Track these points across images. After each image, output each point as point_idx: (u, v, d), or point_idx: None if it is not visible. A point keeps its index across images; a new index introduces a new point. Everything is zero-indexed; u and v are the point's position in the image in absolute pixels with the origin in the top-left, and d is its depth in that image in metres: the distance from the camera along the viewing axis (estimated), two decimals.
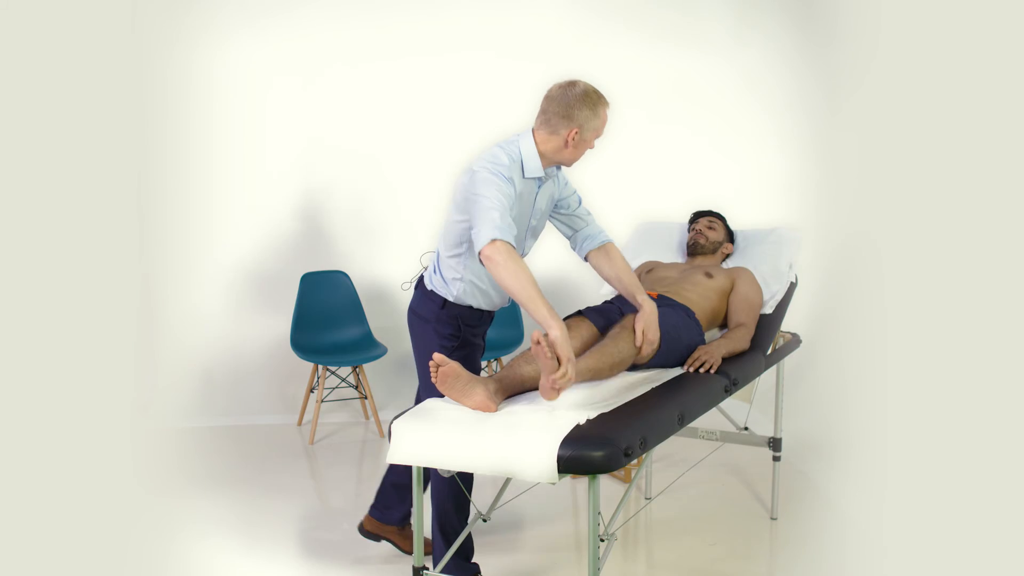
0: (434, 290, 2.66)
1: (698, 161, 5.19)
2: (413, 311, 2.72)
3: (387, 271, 5.09)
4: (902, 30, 2.61)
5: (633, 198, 4.95)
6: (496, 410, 2.32)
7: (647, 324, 2.58)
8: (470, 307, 2.65)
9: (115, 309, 2.36)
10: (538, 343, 2.16)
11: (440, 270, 2.66)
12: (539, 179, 2.57)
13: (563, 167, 2.63)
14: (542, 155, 2.52)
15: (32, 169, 2.14)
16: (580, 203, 2.79)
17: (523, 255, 2.69)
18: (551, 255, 3.71)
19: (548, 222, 2.78)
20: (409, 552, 3.08)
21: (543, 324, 2.26)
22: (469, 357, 2.68)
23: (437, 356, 2.27)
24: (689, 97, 5.17)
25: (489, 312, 2.73)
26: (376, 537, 3.09)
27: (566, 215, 2.77)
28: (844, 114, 4.49)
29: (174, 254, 4.87)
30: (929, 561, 2.09)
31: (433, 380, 2.29)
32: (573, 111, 2.46)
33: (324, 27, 4.96)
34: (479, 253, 2.34)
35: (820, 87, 4.84)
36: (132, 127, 4.47)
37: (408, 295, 2.84)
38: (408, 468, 2.78)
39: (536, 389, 2.48)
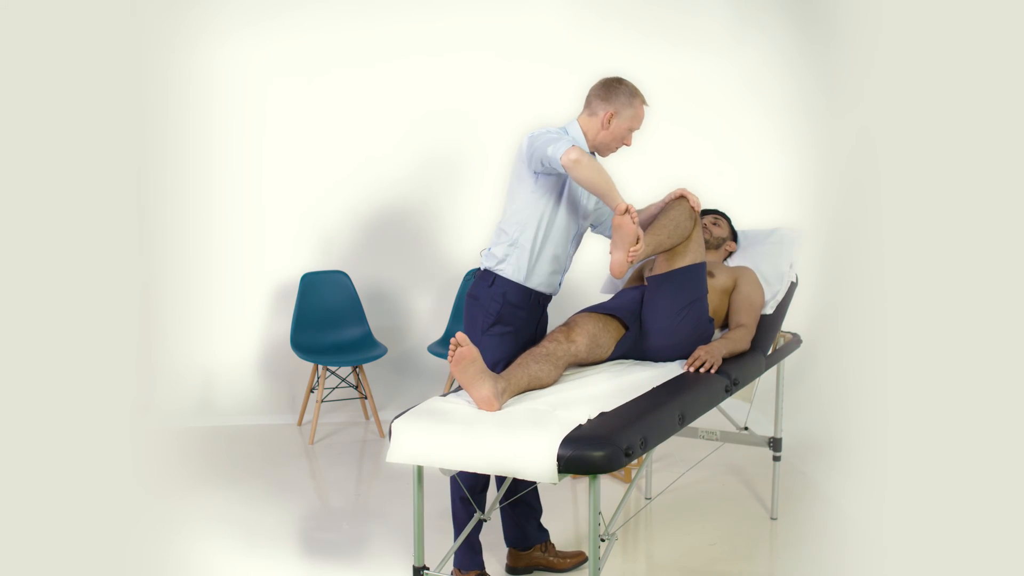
0: (487, 268, 2.73)
1: (698, 161, 5.18)
2: (469, 294, 2.79)
3: (387, 271, 5.10)
4: (902, 30, 2.61)
5: (633, 198, 4.94)
6: (499, 408, 2.32)
7: (681, 190, 2.84)
8: (516, 284, 2.69)
9: (115, 309, 2.36)
10: (627, 211, 2.40)
11: (494, 246, 2.75)
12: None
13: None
14: (589, 139, 2.73)
15: (32, 169, 2.14)
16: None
17: (580, 232, 2.85)
18: None
19: None
20: (563, 569, 3.02)
21: (613, 203, 2.47)
22: (507, 337, 2.69)
23: (459, 335, 2.30)
24: (689, 97, 5.17)
25: (537, 296, 2.75)
26: (527, 570, 3.03)
27: (596, 208, 2.90)
28: (844, 114, 4.50)
29: (174, 254, 4.87)
30: (929, 561, 2.09)
31: (448, 359, 2.31)
32: (612, 95, 2.70)
33: (324, 27, 4.96)
34: (561, 161, 2.48)
35: (820, 87, 4.84)
36: (132, 126, 4.47)
37: (416, 302, 2.85)
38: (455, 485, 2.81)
39: (541, 388, 2.49)
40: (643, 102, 2.75)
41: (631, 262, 2.48)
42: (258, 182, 4.98)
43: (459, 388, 2.56)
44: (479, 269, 2.79)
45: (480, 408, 2.34)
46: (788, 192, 5.00)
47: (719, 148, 5.19)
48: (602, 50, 5.09)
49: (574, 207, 2.74)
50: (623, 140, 2.75)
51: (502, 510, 2.96)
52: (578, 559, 3.04)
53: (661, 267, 2.81)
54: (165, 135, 4.78)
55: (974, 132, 2.13)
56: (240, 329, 4.96)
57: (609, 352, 2.76)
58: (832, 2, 4.55)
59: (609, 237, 2.94)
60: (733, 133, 5.19)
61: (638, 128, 2.76)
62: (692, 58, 5.15)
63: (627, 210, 2.43)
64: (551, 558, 3.01)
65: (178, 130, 4.82)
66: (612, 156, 2.85)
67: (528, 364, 2.48)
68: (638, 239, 2.47)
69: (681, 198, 2.81)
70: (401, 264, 5.12)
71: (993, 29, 2.10)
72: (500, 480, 2.86)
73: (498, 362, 2.65)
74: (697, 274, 2.80)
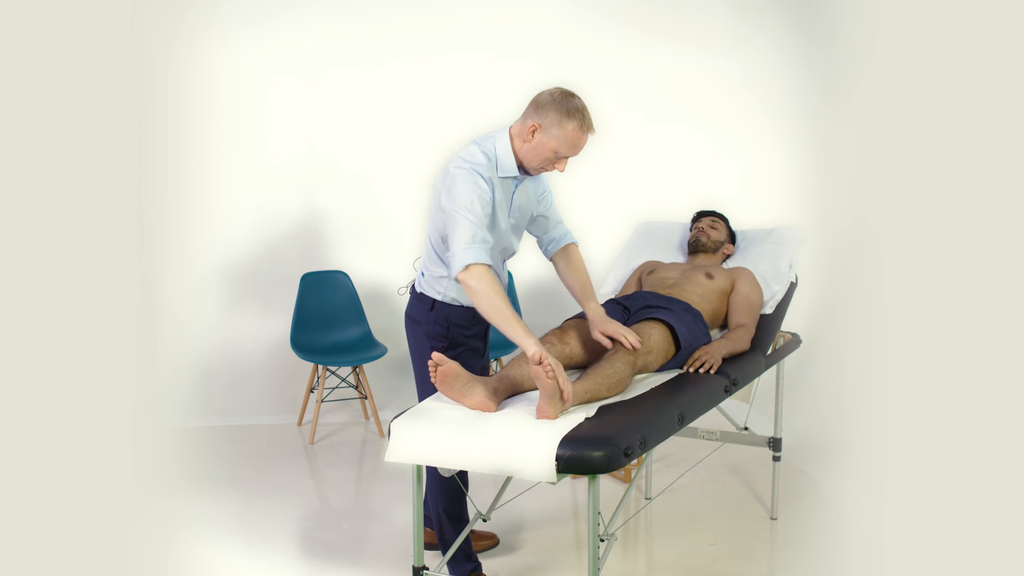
0: (423, 292, 2.66)
1: (698, 161, 5.19)
2: (407, 315, 2.73)
3: (387, 271, 5.09)
4: (901, 30, 2.61)
5: (633, 198, 4.95)
6: (496, 410, 2.32)
7: (603, 328, 2.55)
8: (460, 306, 2.64)
9: (115, 309, 2.36)
10: (540, 363, 2.16)
11: (427, 271, 2.66)
12: (514, 179, 2.55)
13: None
14: (515, 150, 2.50)
15: (31, 169, 2.14)
16: (551, 205, 2.77)
17: (513, 252, 2.70)
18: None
19: None
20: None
21: (521, 346, 2.29)
22: (461, 358, 2.62)
23: (436, 355, 2.25)
24: (689, 96, 5.17)
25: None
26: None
27: (536, 216, 2.74)
28: (844, 113, 4.49)
29: (174, 254, 4.87)
30: (929, 561, 2.09)
31: (432, 380, 2.28)
32: (544, 108, 2.42)
33: (324, 27, 4.96)
34: (455, 278, 2.36)
35: (820, 86, 4.84)
36: (132, 127, 4.47)
37: (406, 299, 2.84)
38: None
39: (536, 389, 2.48)
40: (580, 127, 2.39)
41: (553, 416, 2.23)
42: (258, 181, 4.98)
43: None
44: (414, 289, 2.70)
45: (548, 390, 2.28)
46: (788, 191, 5.00)
47: (720, 147, 5.20)
48: (602, 50, 5.09)
49: (496, 229, 2.55)
50: (551, 163, 2.46)
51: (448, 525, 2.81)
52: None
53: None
54: (166, 134, 4.78)
55: (974, 132, 2.13)
56: (240, 329, 4.96)
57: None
58: (832, 2, 4.55)
59: (535, 235, 2.81)
60: (733, 132, 5.19)
61: (568, 154, 2.44)
62: (692, 58, 5.15)
63: (541, 360, 2.15)
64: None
65: (178, 129, 4.82)
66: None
67: (521, 365, 2.45)
68: (562, 394, 2.20)
69: (627, 351, 2.52)
70: (401, 264, 5.12)
71: (993, 29, 2.10)
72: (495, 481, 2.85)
73: None
74: (696, 343, 2.77)
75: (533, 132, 2.43)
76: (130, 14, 4.38)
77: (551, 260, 2.80)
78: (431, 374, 2.28)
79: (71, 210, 2.23)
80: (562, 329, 2.67)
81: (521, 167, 2.53)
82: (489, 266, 2.37)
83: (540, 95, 2.46)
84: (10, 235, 2.07)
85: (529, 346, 2.26)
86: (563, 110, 2.39)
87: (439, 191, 2.49)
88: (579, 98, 2.44)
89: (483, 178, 2.43)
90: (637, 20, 5.13)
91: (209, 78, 4.85)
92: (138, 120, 4.59)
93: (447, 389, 2.30)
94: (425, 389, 2.68)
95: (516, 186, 2.58)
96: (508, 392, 2.41)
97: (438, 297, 2.63)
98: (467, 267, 2.33)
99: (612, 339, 2.56)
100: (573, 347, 2.61)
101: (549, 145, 2.43)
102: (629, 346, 2.52)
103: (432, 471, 2.69)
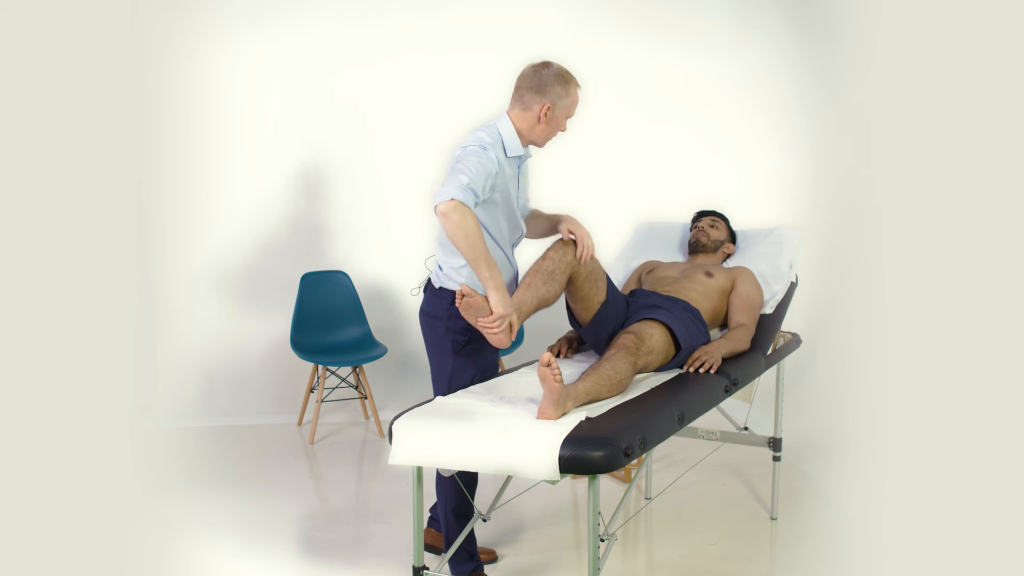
0: (443, 287, 2.66)
1: (698, 161, 5.19)
2: (424, 312, 2.72)
3: (387, 271, 5.10)
4: (901, 30, 2.61)
5: (633, 198, 4.95)
6: (508, 345, 2.40)
7: (572, 224, 2.62)
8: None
9: (115, 309, 2.36)
10: (549, 365, 2.16)
11: (444, 264, 2.66)
12: (520, 157, 2.64)
13: (531, 153, 2.70)
14: (519, 133, 2.60)
15: (31, 169, 2.14)
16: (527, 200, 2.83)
17: (522, 233, 2.75)
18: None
19: None
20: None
21: (483, 284, 2.38)
22: (481, 351, 2.66)
23: (464, 287, 2.33)
24: (689, 97, 5.17)
25: None
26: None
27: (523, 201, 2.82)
28: (844, 114, 4.50)
29: (174, 254, 4.87)
30: (929, 561, 2.09)
31: (457, 304, 2.36)
32: (546, 87, 2.56)
33: (324, 27, 4.96)
34: (435, 208, 2.36)
35: (820, 87, 4.84)
36: (132, 127, 4.47)
37: (416, 300, 2.86)
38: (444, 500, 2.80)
39: (548, 307, 2.56)
40: (577, 85, 2.60)
41: (496, 331, 2.37)
42: (258, 181, 4.99)
43: (457, 389, 2.57)
44: (430, 283, 2.71)
45: (496, 345, 2.44)
46: (788, 191, 5.00)
47: (719, 147, 5.20)
48: (602, 50, 5.09)
49: (510, 208, 2.64)
50: (560, 128, 2.64)
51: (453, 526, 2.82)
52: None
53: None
54: (165, 134, 4.78)
55: (974, 132, 2.13)
56: (240, 329, 4.96)
57: (601, 297, 2.68)
58: (832, 2, 4.55)
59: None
60: (733, 133, 5.19)
61: (573, 113, 2.64)
62: (692, 58, 5.15)
63: (550, 363, 2.14)
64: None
65: (178, 129, 4.82)
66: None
67: (536, 286, 2.51)
68: (559, 388, 2.18)
69: (629, 350, 2.54)
70: (402, 264, 5.12)
71: (994, 30, 2.10)
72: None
73: (474, 376, 2.64)
74: (695, 343, 2.79)
75: (546, 113, 2.56)
76: (130, 14, 4.37)
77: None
78: (456, 300, 2.36)
79: (71, 210, 2.23)
80: (564, 243, 2.62)
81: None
82: (471, 210, 2.37)
83: (528, 80, 2.58)
84: (10, 235, 2.07)
85: (490, 288, 2.37)
86: (560, 81, 2.56)
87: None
88: (553, 62, 2.60)
89: (491, 156, 2.50)
90: (637, 20, 5.13)
91: (209, 78, 4.85)
92: (138, 120, 4.59)
93: (471, 317, 2.39)
94: (440, 387, 2.69)
95: (519, 165, 2.67)
96: (526, 316, 2.49)
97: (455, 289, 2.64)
98: (451, 200, 2.33)
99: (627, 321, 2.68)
100: (554, 290, 2.58)
101: (562, 116, 2.60)
102: (583, 254, 2.57)
103: (437, 471, 2.70)
